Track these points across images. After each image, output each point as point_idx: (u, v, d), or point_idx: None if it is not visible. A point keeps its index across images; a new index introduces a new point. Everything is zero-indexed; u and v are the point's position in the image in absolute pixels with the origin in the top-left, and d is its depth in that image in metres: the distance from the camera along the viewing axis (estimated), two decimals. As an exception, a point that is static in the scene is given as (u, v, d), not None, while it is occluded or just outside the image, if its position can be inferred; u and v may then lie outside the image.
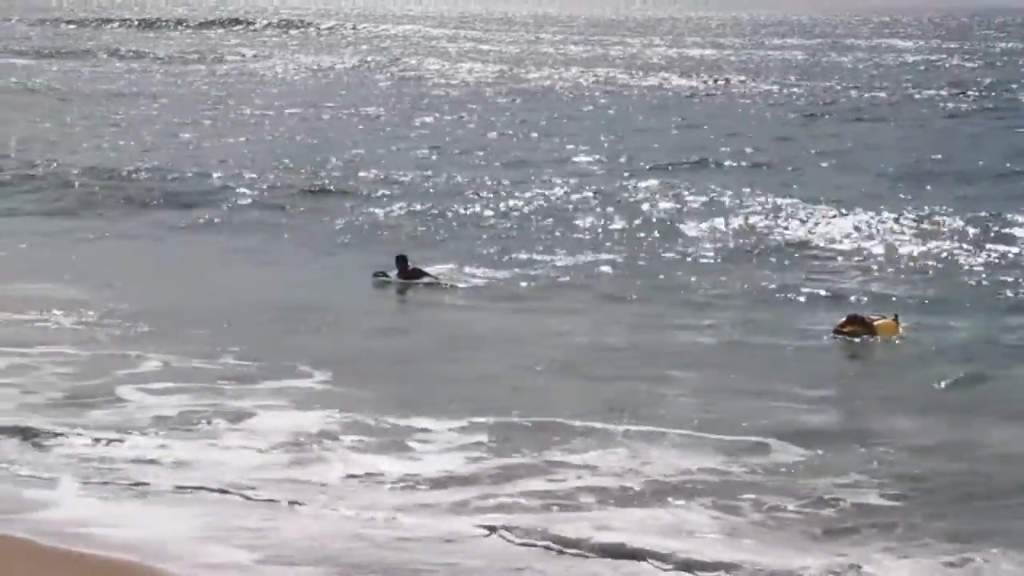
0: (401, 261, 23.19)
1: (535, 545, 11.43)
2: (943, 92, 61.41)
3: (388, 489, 12.86)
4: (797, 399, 16.20)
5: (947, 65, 78.80)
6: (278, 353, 17.88)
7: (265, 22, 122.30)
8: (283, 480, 13.07)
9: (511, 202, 30.88)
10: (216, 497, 12.59)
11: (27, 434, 14.13)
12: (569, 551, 11.30)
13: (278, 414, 15.19)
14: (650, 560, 11.13)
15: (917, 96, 60.32)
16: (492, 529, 11.76)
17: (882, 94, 61.05)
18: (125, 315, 19.89)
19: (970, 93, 61.15)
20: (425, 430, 14.67)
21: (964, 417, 15.67)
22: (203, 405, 15.47)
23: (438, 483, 13.00)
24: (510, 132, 46.15)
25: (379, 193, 32.10)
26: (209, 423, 14.80)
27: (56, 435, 14.11)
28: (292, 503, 12.45)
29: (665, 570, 11.04)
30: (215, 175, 34.66)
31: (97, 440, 14.08)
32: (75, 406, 15.37)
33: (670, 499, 12.64)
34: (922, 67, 78.04)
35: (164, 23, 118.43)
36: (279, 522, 11.97)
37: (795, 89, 63.25)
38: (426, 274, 23.12)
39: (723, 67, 75.71)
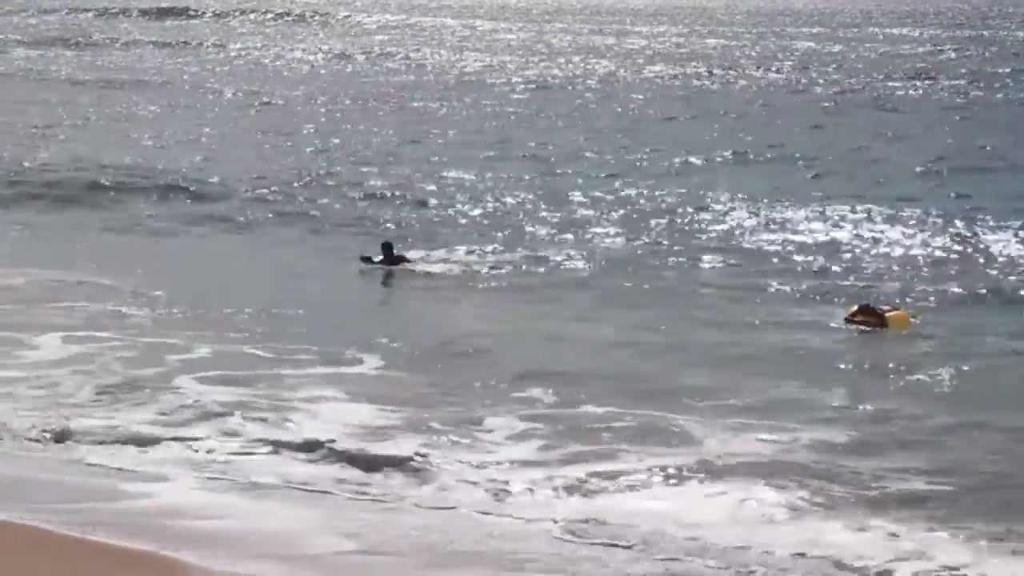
0: (387, 248, 24.00)
1: (614, 543, 11.69)
2: (963, 82, 61.20)
3: (471, 481, 13.12)
4: (827, 389, 16.46)
5: (969, 55, 78.51)
6: (318, 340, 18.25)
7: (281, 10, 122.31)
8: (370, 472, 13.37)
9: (522, 196, 30.73)
10: (309, 490, 12.91)
11: (111, 432, 14.40)
12: (655, 547, 11.56)
13: (342, 405, 15.47)
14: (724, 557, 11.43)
15: (939, 85, 60.12)
16: (583, 522, 12.04)
17: (903, 83, 60.89)
18: (158, 302, 20.23)
19: (991, 83, 60.96)
20: (483, 419, 15.02)
21: (992, 406, 15.92)
22: (265, 395, 15.79)
23: (516, 474, 13.27)
24: (524, 124, 45.98)
25: (389, 185, 32.10)
26: (277, 414, 15.08)
27: (151, 434, 14.42)
28: (386, 496, 12.76)
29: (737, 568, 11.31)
30: (229, 167, 34.68)
31: (186, 435, 14.41)
32: (145, 395, 15.75)
33: (733, 488, 12.93)
34: (943, 56, 77.79)
35: (179, 11, 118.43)
36: (375, 515, 12.27)
37: (814, 78, 63.10)
38: (409, 260, 23.90)
39: (743, 57, 75.56)
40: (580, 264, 23.97)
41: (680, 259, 24.44)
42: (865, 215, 28.17)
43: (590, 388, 16.22)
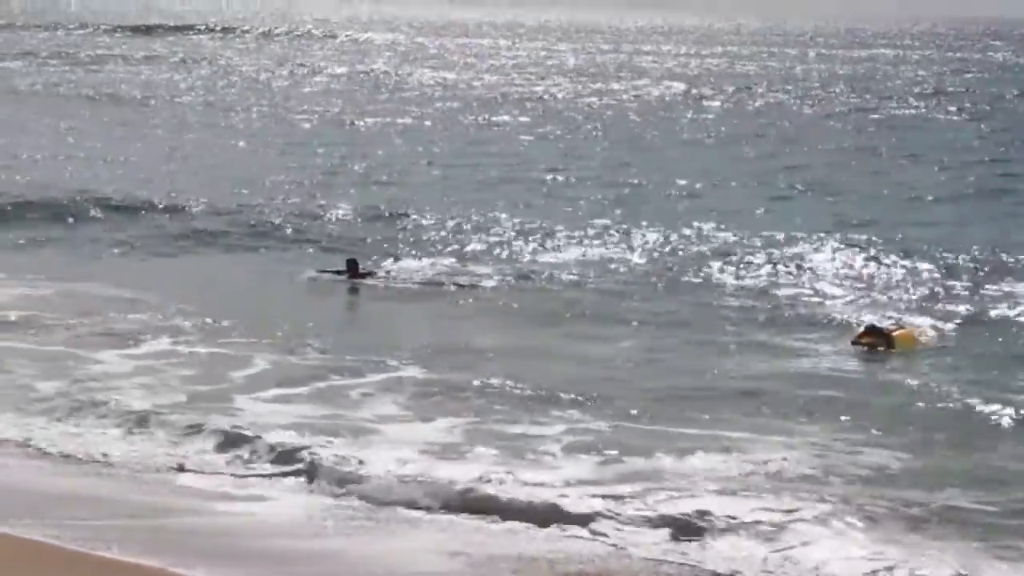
0: (351, 264, 24.24)
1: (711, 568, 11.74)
2: (976, 104, 61.23)
3: (550, 503, 13.00)
4: (852, 407, 16.49)
5: (981, 76, 78.88)
6: (352, 352, 18.64)
7: (284, 29, 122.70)
8: (460, 493, 13.32)
9: (522, 216, 30.50)
10: (407, 513, 12.99)
11: (183, 450, 14.57)
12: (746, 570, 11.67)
13: (407, 426, 15.60)
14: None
15: (953, 107, 60.22)
16: (669, 540, 12.11)
17: (918, 104, 61.02)
18: (189, 315, 20.52)
19: (1003, 105, 61.00)
20: (537, 436, 15.15)
21: (1010, 423, 15.96)
22: (332, 414, 15.97)
23: (584, 491, 13.22)
24: (533, 144, 46.03)
25: (391, 203, 32.17)
26: (347, 433, 15.12)
27: (220, 452, 14.52)
28: (478, 516, 12.83)
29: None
30: (231, 186, 34.76)
31: (258, 453, 14.48)
32: (217, 410, 15.86)
33: (791, 505, 12.95)
34: (956, 78, 77.98)
35: (190, 29, 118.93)
36: (478, 536, 12.35)
37: (828, 99, 63.13)
38: (375, 276, 24.23)
39: (752, 77, 75.78)
40: (583, 285, 23.97)
41: (685, 281, 24.35)
42: (879, 237, 27.95)
43: (618, 406, 16.29)
